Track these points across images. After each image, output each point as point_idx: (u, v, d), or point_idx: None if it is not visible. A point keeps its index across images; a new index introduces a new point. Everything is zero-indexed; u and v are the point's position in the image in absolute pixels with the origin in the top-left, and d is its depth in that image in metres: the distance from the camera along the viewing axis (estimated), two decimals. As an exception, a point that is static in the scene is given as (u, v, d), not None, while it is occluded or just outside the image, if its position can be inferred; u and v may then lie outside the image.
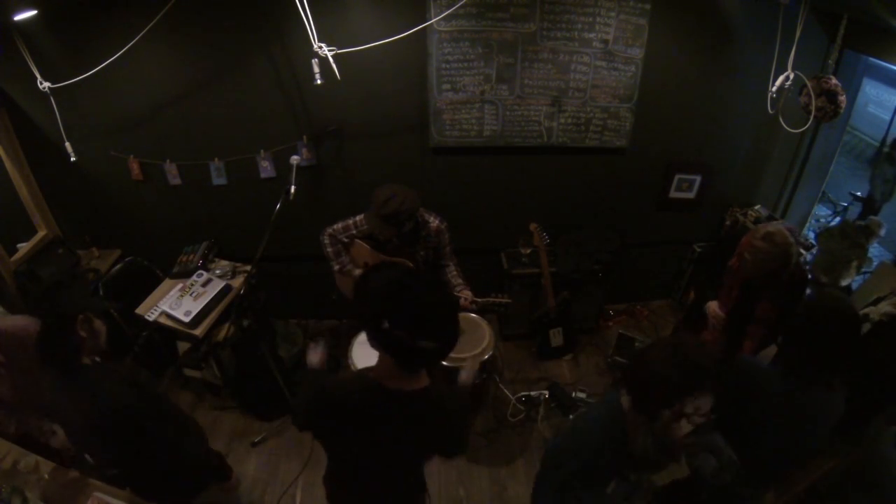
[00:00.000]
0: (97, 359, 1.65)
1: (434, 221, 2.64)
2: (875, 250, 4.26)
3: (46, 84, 2.69)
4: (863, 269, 3.16)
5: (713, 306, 2.45)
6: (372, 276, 1.28)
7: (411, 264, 2.66)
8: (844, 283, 3.18)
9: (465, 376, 1.79)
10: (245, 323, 2.86)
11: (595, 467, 1.49)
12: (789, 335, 1.68)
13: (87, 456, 2.11)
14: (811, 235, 3.62)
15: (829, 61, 2.88)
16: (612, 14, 2.79)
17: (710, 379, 1.30)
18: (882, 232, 3.27)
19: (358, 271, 2.71)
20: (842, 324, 1.57)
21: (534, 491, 1.75)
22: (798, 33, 2.56)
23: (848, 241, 3.16)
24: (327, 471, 1.70)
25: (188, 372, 3.15)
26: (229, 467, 1.95)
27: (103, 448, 1.70)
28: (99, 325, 1.63)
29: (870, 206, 4.49)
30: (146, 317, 2.83)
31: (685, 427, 1.32)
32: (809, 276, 3.26)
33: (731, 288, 2.34)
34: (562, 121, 3.10)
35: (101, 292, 2.98)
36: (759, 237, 2.05)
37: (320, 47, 2.39)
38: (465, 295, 2.62)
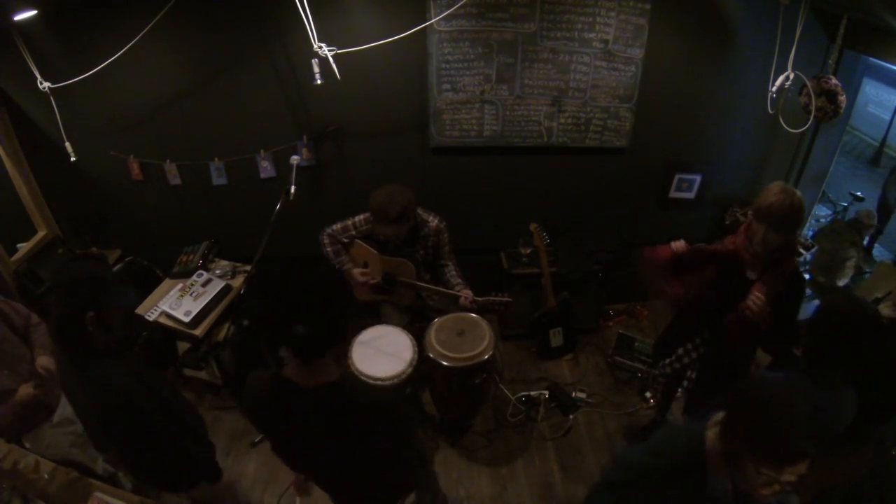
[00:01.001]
0: (105, 349, 1.66)
1: (433, 221, 2.64)
2: (875, 250, 4.26)
3: (46, 84, 2.69)
4: (863, 269, 3.16)
5: (679, 244, 2.18)
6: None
7: (411, 264, 2.67)
8: (841, 282, 3.18)
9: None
10: (245, 323, 2.86)
11: (661, 496, 1.42)
12: (812, 342, 1.64)
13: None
14: (811, 235, 3.63)
15: (829, 61, 2.88)
16: (612, 14, 2.79)
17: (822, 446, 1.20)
18: (874, 221, 3.26)
19: (357, 270, 2.71)
20: (864, 322, 1.54)
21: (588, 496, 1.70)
22: (798, 33, 2.56)
23: (840, 238, 3.16)
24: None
25: (188, 372, 3.15)
26: (219, 470, 1.97)
27: (104, 433, 1.73)
28: (111, 317, 1.63)
29: (884, 209, 4.48)
30: (146, 317, 2.83)
31: (774, 486, 1.22)
32: (808, 277, 3.27)
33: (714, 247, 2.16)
34: (562, 121, 3.11)
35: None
36: (774, 191, 1.87)
37: (320, 47, 2.39)
38: (466, 294, 2.62)
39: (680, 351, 2.45)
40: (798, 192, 1.87)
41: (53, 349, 2.08)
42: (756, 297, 1.94)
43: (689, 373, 2.46)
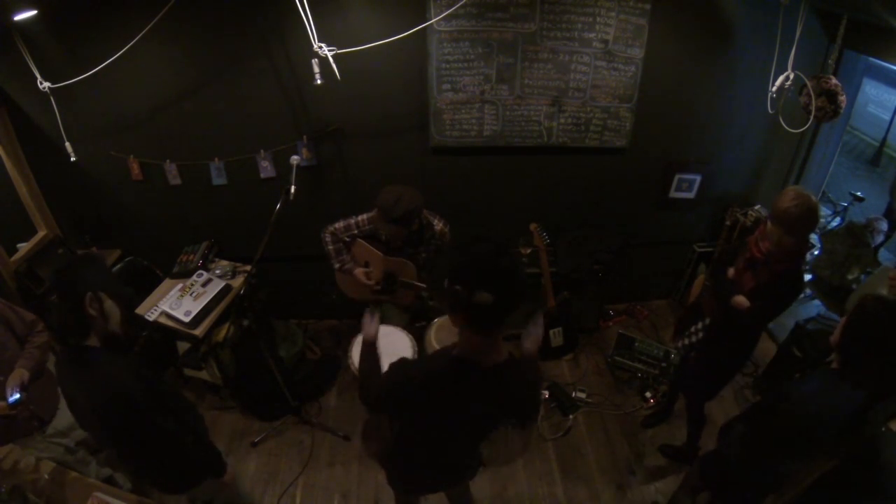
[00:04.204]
0: (106, 342, 1.64)
1: (439, 224, 2.65)
2: (880, 254, 4.25)
3: (46, 84, 2.69)
4: (867, 269, 3.16)
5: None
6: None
7: (412, 265, 2.67)
8: (850, 276, 3.17)
9: (530, 344, 1.74)
10: (245, 323, 2.86)
11: None
12: (856, 350, 1.64)
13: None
14: (811, 235, 3.62)
15: (829, 61, 2.87)
16: (612, 14, 2.79)
17: None
18: (884, 227, 3.27)
19: (358, 270, 2.71)
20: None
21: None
22: (798, 33, 2.56)
23: (853, 239, 3.15)
24: (391, 450, 1.77)
25: (188, 372, 3.15)
26: (224, 463, 1.96)
27: (101, 430, 1.72)
28: (110, 306, 1.62)
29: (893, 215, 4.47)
30: (146, 317, 2.83)
31: None
32: (811, 276, 3.27)
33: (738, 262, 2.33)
34: (562, 121, 3.10)
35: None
36: (790, 196, 1.94)
37: (320, 47, 2.39)
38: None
39: (692, 329, 2.54)
40: (813, 197, 1.93)
41: (57, 351, 2.06)
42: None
43: (692, 353, 2.55)
